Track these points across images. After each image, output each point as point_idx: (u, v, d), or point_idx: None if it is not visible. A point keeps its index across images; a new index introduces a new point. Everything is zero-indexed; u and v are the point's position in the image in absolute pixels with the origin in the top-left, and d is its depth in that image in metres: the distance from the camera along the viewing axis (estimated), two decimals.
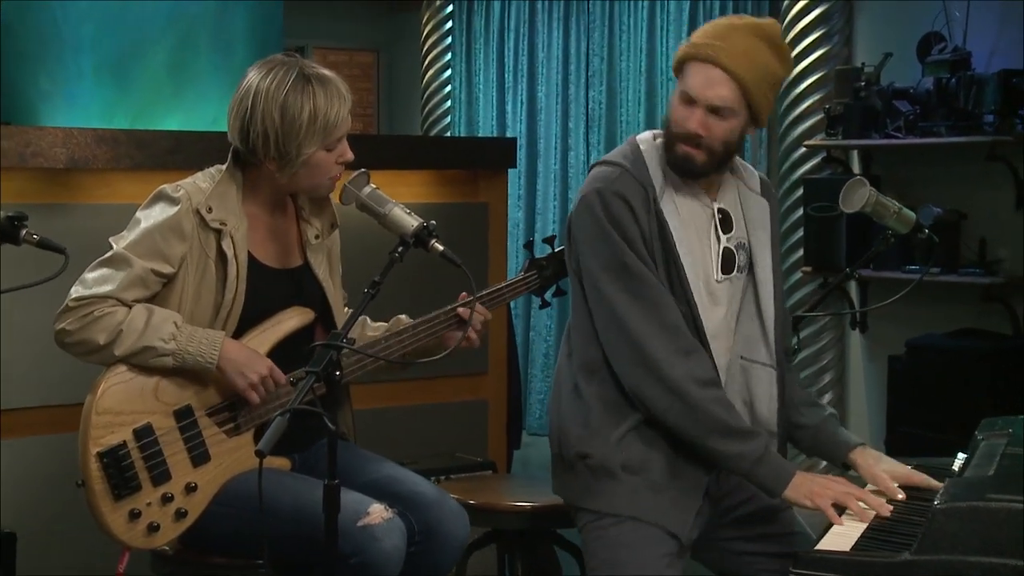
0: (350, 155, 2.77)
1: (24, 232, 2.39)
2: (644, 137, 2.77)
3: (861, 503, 2.51)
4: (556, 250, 3.07)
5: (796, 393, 2.86)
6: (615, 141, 7.36)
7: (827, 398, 5.95)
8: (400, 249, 2.57)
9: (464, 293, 2.86)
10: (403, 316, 2.92)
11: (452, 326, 2.86)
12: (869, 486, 2.64)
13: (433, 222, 2.62)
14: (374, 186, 2.70)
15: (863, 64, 5.78)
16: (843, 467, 2.80)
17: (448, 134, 8.00)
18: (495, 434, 4.58)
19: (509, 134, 7.77)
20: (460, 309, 2.85)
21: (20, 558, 3.19)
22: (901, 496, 2.58)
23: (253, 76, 2.72)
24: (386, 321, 2.96)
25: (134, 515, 2.64)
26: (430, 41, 8.13)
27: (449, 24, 8.11)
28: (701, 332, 2.66)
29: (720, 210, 2.74)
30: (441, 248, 2.60)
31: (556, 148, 7.64)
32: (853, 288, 6.03)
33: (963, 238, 5.47)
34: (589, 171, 2.78)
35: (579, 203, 2.70)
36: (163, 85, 6.84)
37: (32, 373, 3.60)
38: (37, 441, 3.63)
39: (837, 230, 5.73)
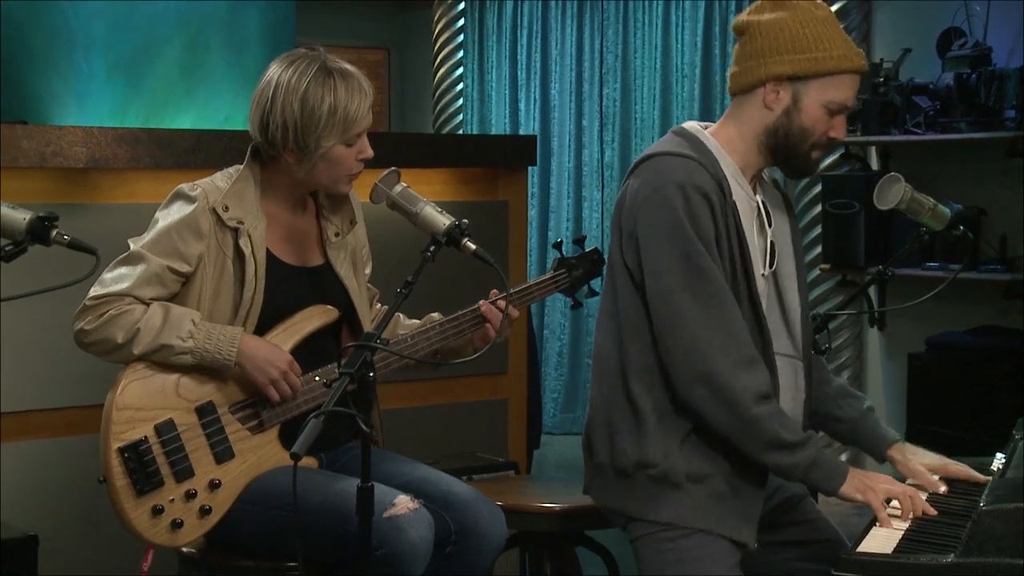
0: (370, 152, 2.75)
1: (55, 232, 2.37)
2: (695, 128, 2.66)
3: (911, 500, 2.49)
4: (588, 250, 3.04)
5: (831, 385, 2.83)
6: (629, 139, 7.34)
7: None
8: (432, 248, 2.55)
9: (495, 291, 2.83)
10: (436, 314, 2.89)
11: (480, 324, 2.83)
12: (910, 480, 2.63)
13: (466, 221, 2.59)
14: (405, 184, 2.67)
15: (882, 60, 5.75)
16: (881, 461, 2.78)
17: (460, 132, 7.97)
18: (515, 434, 4.55)
19: (522, 132, 7.74)
20: (487, 305, 2.82)
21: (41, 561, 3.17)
22: (943, 489, 2.57)
23: (275, 68, 2.72)
24: (419, 319, 2.93)
25: (157, 511, 2.62)
26: (442, 39, 8.10)
27: (461, 22, 8.08)
28: (765, 330, 2.60)
29: (762, 202, 2.69)
30: (474, 247, 2.57)
31: (570, 146, 7.61)
32: (871, 285, 5.98)
33: (983, 235, 5.43)
34: (641, 163, 2.63)
35: (652, 195, 2.54)
36: (175, 84, 6.83)
37: (34, 376, 3.57)
38: (41, 444, 3.60)
39: (855, 227, 5.71)
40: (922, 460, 2.70)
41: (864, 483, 2.51)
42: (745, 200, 2.63)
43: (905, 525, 2.41)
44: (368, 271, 2.99)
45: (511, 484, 3.62)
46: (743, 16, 2.65)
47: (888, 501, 2.49)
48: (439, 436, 4.27)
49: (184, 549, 2.74)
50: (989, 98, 5.27)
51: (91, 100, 6.50)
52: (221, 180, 2.76)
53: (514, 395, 4.55)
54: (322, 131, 2.67)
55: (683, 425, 2.58)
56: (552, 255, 7.64)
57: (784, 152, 2.62)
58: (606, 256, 2.84)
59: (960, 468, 2.66)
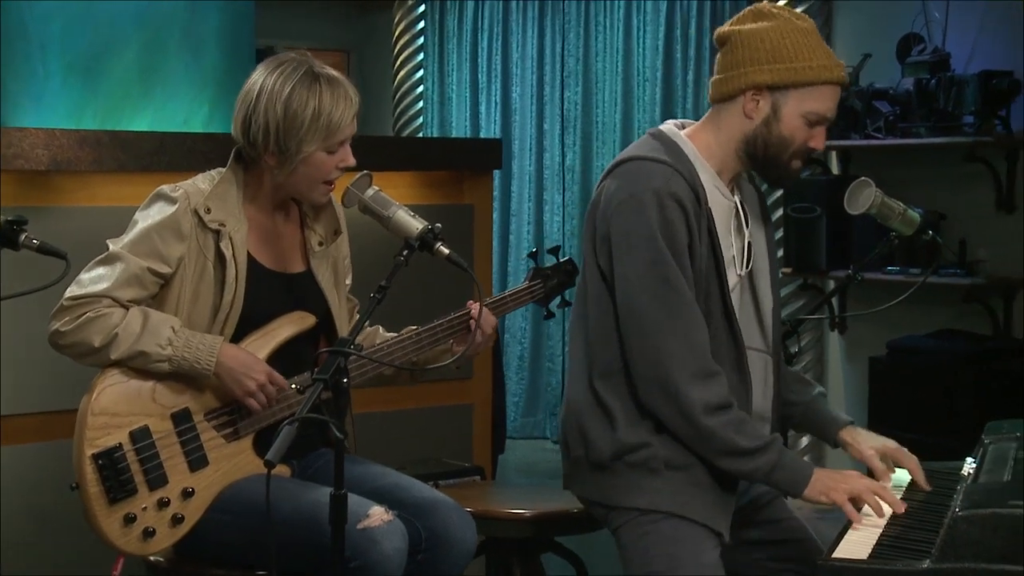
0: (351, 160, 2.73)
1: (24, 236, 2.33)
2: (672, 131, 2.67)
3: (878, 497, 2.50)
4: (562, 260, 3.04)
5: (786, 372, 2.86)
6: (591, 142, 7.34)
7: None
8: (405, 253, 2.53)
9: (471, 302, 2.82)
10: (414, 327, 2.86)
11: (455, 334, 2.81)
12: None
13: (439, 225, 2.58)
14: (377, 188, 2.65)
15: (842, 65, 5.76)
16: (833, 445, 2.80)
17: (420, 135, 7.94)
18: (480, 439, 4.53)
19: (483, 135, 7.72)
20: (469, 314, 2.81)
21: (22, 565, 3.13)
22: (902, 509, 2.53)
23: (262, 71, 2.70)
24: (397, 332, 2.90)
25: (129, 520, 2.59)
26: (402, 41, 8.06)
27: (421, 24, 8.04)
28: (736, 333, 2.62)
29: (740, 203, 2.70)
30: (447, 251, 2.56)
31: (531, 149, 7.61)
32: (831, 289, 6.01)
33: (943, 239, 5.46)
34: (617, 166, 2.63)
35: (627, 200, 2.55)
36: (133, 85, 6.76)
37: (31, 378, 3.52)
38: (36, 447, 3.56)
39: (817, 231, 5.73)
40: (872, 444, 2.72)
41: (827, 484, 2.52)
42: (722, 203, 2.64)
43: (879, 529, 2.41)
44: (348, 282, 2.97)
45: (478, 490, 3.61)
46: (725, 26, 2.67)
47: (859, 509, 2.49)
48: (404, 441, 4.25)
49: (152, 558, 2.71)
50: (948, 103, 5.31)
51: (47, 101, 6.42)
52: (203, 182, 2.73)
53: (479, 400, 4.54)
54: (304, 135, 2.64)
55: (653, 422, 2.60)
56: (513, 258, 7.65)
57: (763, 161, 2.63)
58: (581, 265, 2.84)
59: (911, 459, 2.68)
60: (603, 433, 2.62)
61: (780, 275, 2.80)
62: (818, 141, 2.62)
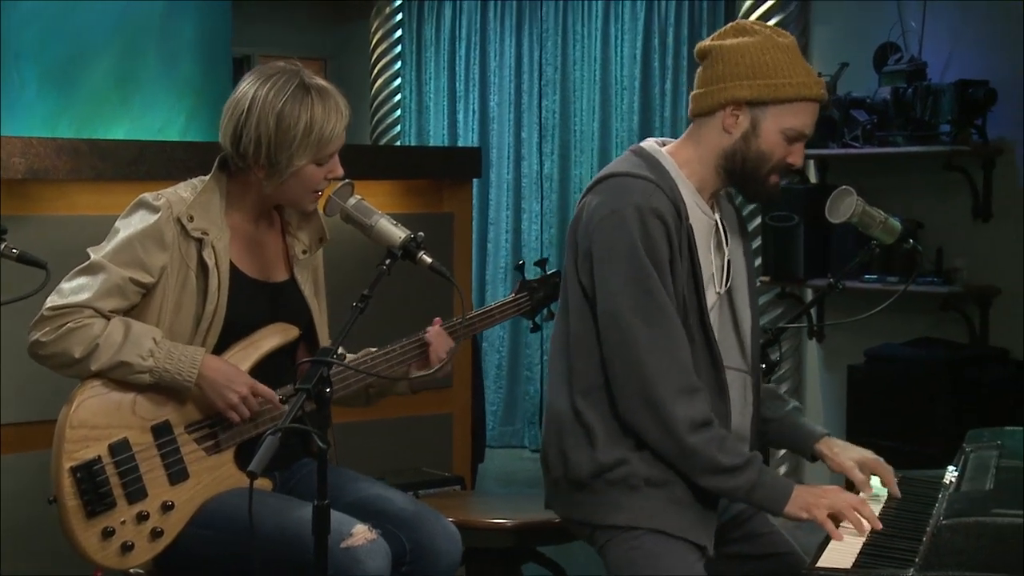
0: (340, 171, 2.71)
1: (3, 246, 2.31)
2: (654, 148, 2.68)
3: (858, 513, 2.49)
4: (549, 273, 3.04)
5: (762, 388, 2.86)
6: (569, 151, 7.35)
7: None
8: (388, 262, 2.51)
9: (438, 319, 2.82)
10: (372, 348, 2.83)
11: (413, 359, 2.80)
12: (863, 493, 2.64)
13: (421, 234, 2.57)
14: (359, 197, 2.64)
15: (820, 73, 5.77)
16: (811, 459, 2.81)
17: (398, 144, 7.93)
18: (460, 448, 4.52)
19: (461, 143, 7.72)
20: (433, 332, 2.81)
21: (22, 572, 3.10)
22: (868, 491, 2.61)
23: (252, 80, 2.67)
24: (354, 353, 2.85)
25: (107, 533, 2.56)
26: (379, 49, 8.05)
27: (399, 32, 8.04)
28: (715, 350, 2.62)
29: (720, 221, 2.71)
30: (430, 260, 2.55)
31: (509, 158, 7.60)
32: (809, 298, 6.03)
33: (920, 248, 5.48)
34: (600, 182, 2.64)
35: (609, 216, 2.56)
36: (109, 93, 6.73)
37: (32, 387, 3.48)
38: (36, 456, 3.52)
39: (795, 240, 5.75)
40: (850, 455, 2.72)
41: (808, 501, 2.53)
42: (702, 220, 2.65)
43: (862, 538, 2.42)
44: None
45: (459, 499, 3.60)
46: (707, 41, 2.68)
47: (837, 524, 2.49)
48: (383, 450, 4.24)
49: (131, 571, 2.68)
50: (925, 112, 5.33)
51: (22, 109, 6.38)
52: (185, 190, 2.71)
53: (459, 409, 4.53)
54: (296, 149, 2.62)
55: (633, 439, 2.60)
56: (491, 266, 7.64)
57: (742, 176, 2.64)
58: None
59: (886, 468, 2.69)
60: (582, 452, 2.61)
61: (758, 292, 2.80)
62: (796, 157, 2.64)
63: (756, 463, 2.55)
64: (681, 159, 2.65)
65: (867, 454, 2.73)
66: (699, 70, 2.67)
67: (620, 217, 2.54)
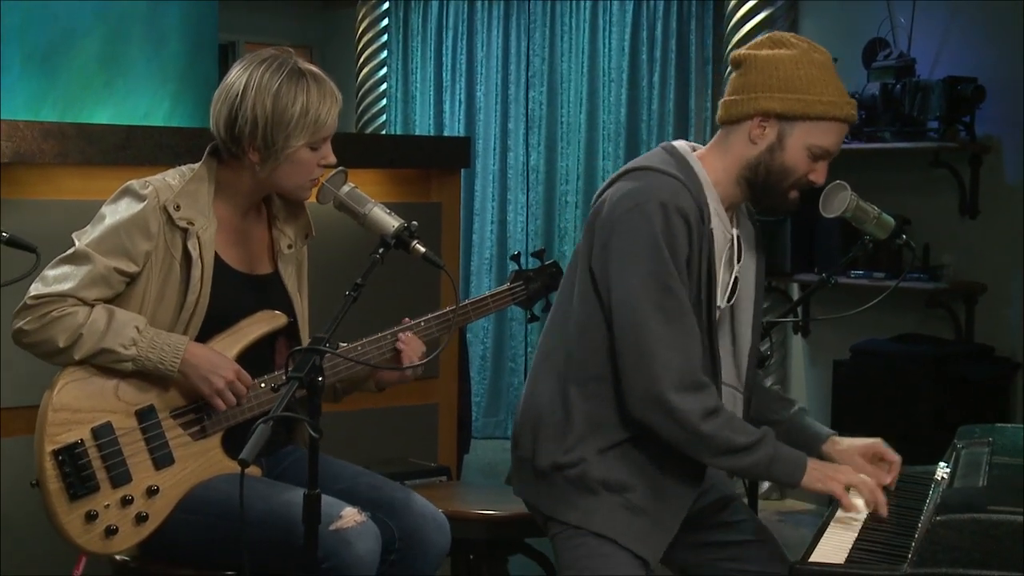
0: (332, 158, 2.70)
1: None
2: (685, 150, 2.65)
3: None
4: (546, 263, 3.02)
5: (765, 391, 2.88)
6: (555, 142, 7.33)
7: None
8: (381, 251, 2.50)
9: (407, 319, 2.80)
10: (343, 344, 2.79)
11: (384, 357, 2.78)
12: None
13: (415, 223, 2.55)
14: (353, 184, 2.62)
15: None
16: (820, 459, 2.79)
17: (384, 133, 7.90)
18: (446, 438, 4.50)
19: (447, 134, 7.69)
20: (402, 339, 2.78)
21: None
22: (889, 480, 2.63)
23: (244, 66, 2.66)
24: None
25: (91, 517, 2.55)
26: (365, 38, 8.01)
27: (385, 21, 8.01)
28: (716, 357, 2.62)
29: (737, 237, 2.69)
30: (423, 250, 2.53)
31: (495, 149, 7.59)
32: (796, 293, 6.03)
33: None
34: (626, 173, 2.62)
35: (633, 209, 2.52)
36: (93, 77, 6.69)
37: (31, 371, 3.45)
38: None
39: (782, 235, 5.74)
40: (857, 447, 2.73)
41: (825, 473, 2.55)
42: (721, 231, 2.63)
43: (854, 533, 2.42)
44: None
45: (445, 490, 3.58)
46: (743, 49, 2.66)
47: (848, 490, 2.53)
48: (369, 440, 4.21)
49: (118, 557, 2.66)
50: (913, 108, 5.34)
51: (4, 91, 6.32)
52: (173, 178, 2.68)
53: (445, 399, 4.51)
54: (292, 130, 2.62)
55: (612, 437, 2.60)
56: (476, 257, 7.63)
57: (762, 188, 2.62)
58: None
59: (891, 454, 2.70)
60: (551, 442, 2.62)
61: (762, 318, 2.80)
62: (819, 175, 2.63)
63: (770, 438, 2.56)
64: (710, 167, 2.64)
65: (877, 442, 2.72)
66: (732, 76, 2.66)
67: (643, 211, 2.52)
